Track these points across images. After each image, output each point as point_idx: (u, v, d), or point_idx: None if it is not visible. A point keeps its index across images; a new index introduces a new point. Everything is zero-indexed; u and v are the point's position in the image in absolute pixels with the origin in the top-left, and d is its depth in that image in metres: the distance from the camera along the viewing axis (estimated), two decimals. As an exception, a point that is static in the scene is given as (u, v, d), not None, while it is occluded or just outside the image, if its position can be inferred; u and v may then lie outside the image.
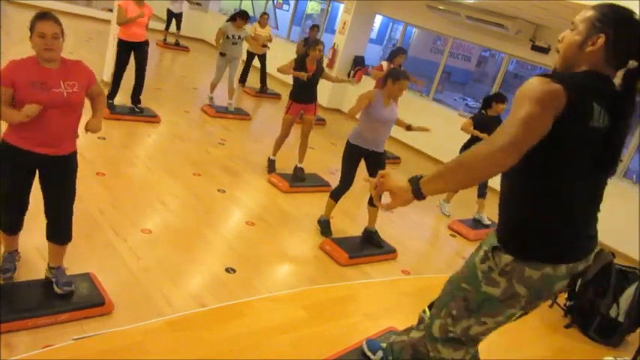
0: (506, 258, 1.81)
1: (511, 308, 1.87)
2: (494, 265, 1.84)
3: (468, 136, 5.57)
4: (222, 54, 7.29)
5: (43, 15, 2.54)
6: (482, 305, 1.90)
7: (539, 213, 1.77)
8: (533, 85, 1.62)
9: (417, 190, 1.68)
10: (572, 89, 1.61)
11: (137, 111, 6.28)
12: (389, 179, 1.76)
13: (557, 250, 1.79)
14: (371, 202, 4.45)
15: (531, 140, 1.59)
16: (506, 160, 1.57)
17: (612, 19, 1.70)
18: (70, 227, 2.85)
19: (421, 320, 2.38)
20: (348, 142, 4.33)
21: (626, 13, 1.71)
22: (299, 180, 5.55)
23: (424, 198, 1.69)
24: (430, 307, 2.34)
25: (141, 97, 6.35)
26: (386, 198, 1.81)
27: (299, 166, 5.67)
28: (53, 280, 2.83)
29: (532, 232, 1.80)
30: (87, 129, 2.76)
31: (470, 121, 5.56)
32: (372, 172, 4.39)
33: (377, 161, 4.34)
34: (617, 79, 1.77)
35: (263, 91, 9.44)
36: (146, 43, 6.11)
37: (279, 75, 10.05)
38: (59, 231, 2.83)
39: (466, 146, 5.63)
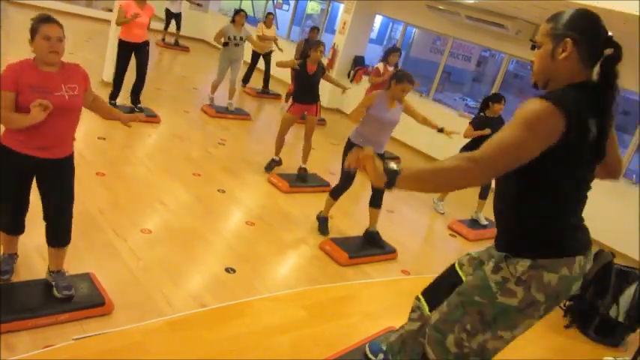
0: (522, 265, 1.78)
1: (529, 318, 1.84)
2: (510, 275, 1.80)
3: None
4: (225, 44, 7.23)
5: (47, 18, 2.53)
6: (498, 317, 1.84)
7: (542, 210, 1.78)
8: (536, 109, 1.63)
9: (389, 183, 1.69)
10: (570, 114, 1.62)
11: (137, 110, 6.27)
12: (371, 160, 1.72)
13: (569, 241, 1.81)
14: (372, 204, 4.45)
15: (512, 165, 1.64)
16: (481, 179, 1.64)
17: (570, 22, 1.75)
18: (69, 230, 2.82)
19: (414, 309, 2.37)
20: (348, 140, 4.35)
21: (580, 12, 1.77)
22: (302, 180, 5.58)
23: (391, 190, 1.72)
24: (424, 294, 2.33)
25: (140, 97, 6.36)
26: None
27: (302, 166, 5.70)
28: (53, 283, 2.81)
29: (540, 229, 1.80)
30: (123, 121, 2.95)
31: (470, 127, 5.55)
32: None
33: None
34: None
35: (265, 92, 9.44)
36: (146, 44, 6.11)
37: (281, 75, 10.07)
38: (57, 234, 2.79)
39: (467, 147, 5.62)
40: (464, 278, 2.16)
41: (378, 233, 4.52)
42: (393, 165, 1.72)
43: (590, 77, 1.77)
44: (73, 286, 2.82)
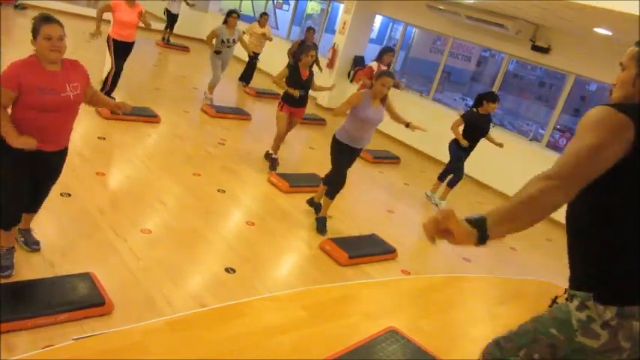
0: (611, 310, 1.62)
1: (607, 359, 1.68)
2: (597, 316, 1.63)
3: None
4: (217, 52, 7.42)
5: (48, 18, 2.64)
6: (572, 355, 1.68)
7: (617, 246, 1.64)
8: (599, 113, 1.55)
9: (482, 237, 1.49)
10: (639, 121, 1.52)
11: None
12: (453, 219, 1.52)
13: None
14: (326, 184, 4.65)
15: (593, 172, 1.52)
16: (567, 193, 1.51)
17: None
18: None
19: None
20: (334, 139, 4.49)
21: None
22: (273, 168, 5.71)
23: (484, 244, 1.51)
24: None
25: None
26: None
27: (274, 155, 5.79)
28: (21, 240, 3.12)
29: (621, 271, 1.64)
30: (117, 111, 3.10)
31: (460, 120, 5.61)
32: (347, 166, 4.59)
33: (354, 158, 4.60)
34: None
35: (243, 80, 9.52)
36: (134, 43, 6.35)
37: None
38: (38, 204, 3.10)
39: (455, 141, 5.71)
40: None
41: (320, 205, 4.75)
42: (474, 216, 1.52)
43: None
44: (39, 242, 3.17)
